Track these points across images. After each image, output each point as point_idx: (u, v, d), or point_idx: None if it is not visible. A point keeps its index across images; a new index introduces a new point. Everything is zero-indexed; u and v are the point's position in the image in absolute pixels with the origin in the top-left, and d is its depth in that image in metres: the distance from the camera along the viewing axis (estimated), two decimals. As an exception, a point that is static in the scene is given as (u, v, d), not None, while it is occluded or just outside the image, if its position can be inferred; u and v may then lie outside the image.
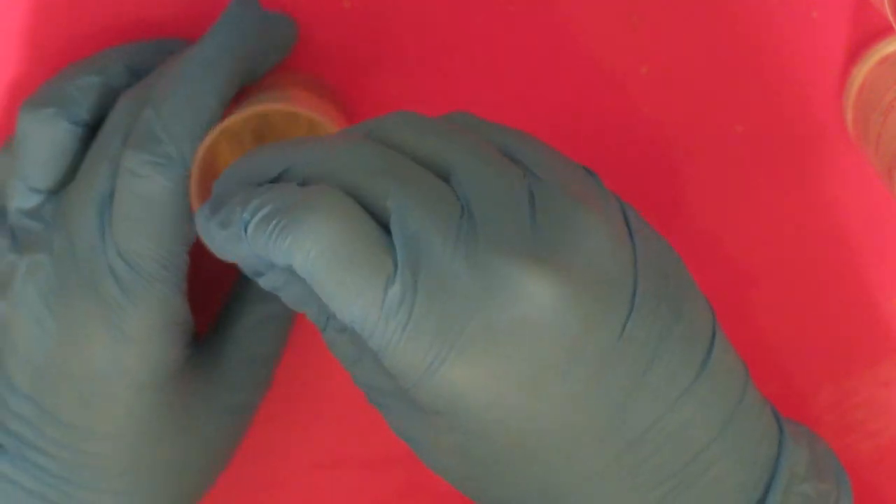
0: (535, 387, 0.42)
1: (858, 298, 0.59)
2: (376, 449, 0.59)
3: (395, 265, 0.42)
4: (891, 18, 0.50)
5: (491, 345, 0.42)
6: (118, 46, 0.55)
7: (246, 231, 0.43)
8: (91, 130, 0.53)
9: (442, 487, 0.54)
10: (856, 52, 0.57)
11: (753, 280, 0.59)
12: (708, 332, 0.45)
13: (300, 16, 0.57)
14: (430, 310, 0.42)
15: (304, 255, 0.42)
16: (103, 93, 0.53)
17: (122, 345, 0.50)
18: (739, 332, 0.57)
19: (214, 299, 0.57)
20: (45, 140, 0.52)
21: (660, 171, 0.58)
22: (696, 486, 0.44)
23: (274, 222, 0.42)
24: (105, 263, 0.50)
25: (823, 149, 0.58)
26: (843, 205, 0.58)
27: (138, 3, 0.57)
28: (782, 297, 0.59)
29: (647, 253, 0.44)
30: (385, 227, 0.43)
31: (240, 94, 0.54)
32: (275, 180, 0.44)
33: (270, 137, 0.55)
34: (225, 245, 0.45)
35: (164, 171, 0.50)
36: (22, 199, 0.52)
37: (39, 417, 0.51)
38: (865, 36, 0.57)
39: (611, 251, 0.43)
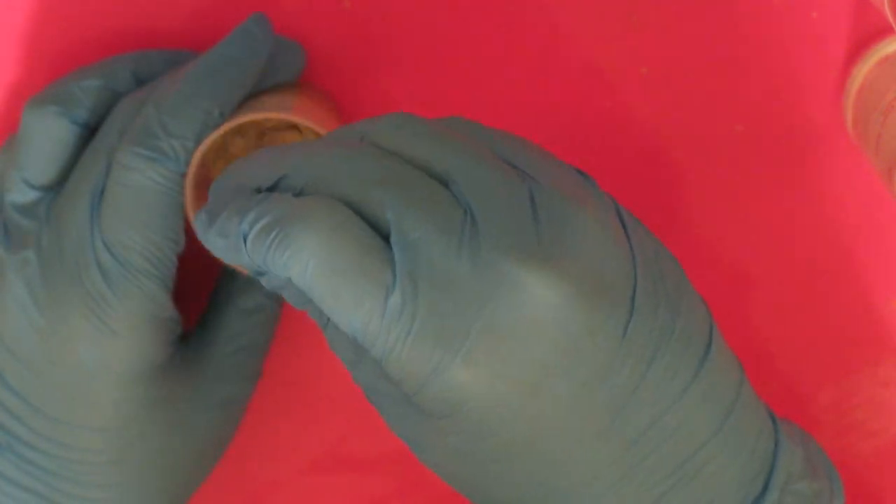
0: (537, 387, 0.42)
1: (858, 298, 0.59)
2: (374, 448, 0.59)
3: (395, 274, 0.42)
4: (891, 18, 0.50)
5: (494, 346, 0.42)
6: (127, 54, 0.55)
7: (245, 243, 0.43)
8: (92, 132, 0.53)
9: (440, 487, 0.54)
10: (856, 52, 0.57)
11: (753, 280, 0.59)
12: (706, 330, 0.45)
13: (300, 15, 0.57)
14: (431, 316, 0.42)
15: (301, 269, 0.42)
16: (107, 96, 0.53)
17: (107, 339, 0.51)
18: (739, 332, 0.57)
19: (201, 296, 0.57)
20: (45, 137, 0.52)
21: (659, 171, 0.58)
22: (694, 482, 0.45)
23: (272, 236, 0.42)
24: (92, 256, 0.50)
25: (823, 149, 0.58)
26: (843, 205, 0.58)
27: (149, 13, 0.57)
28: (782, 297, 0.59)
29: (643, 253, 0.44)
30: (384, 236, 0.43)
31: (240, 103, 0.54)
32: (271, 188, 0.44)
33: (268, 144, 0.56)
34: (225, 254, 0.45)
35: (156, 166, 0.50)
36: (17, 194, 0.53)
37: (27, 411, 0.52)
38: (865, 36, 0.57)
39: (611, 252, 0.43)
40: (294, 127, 0.55)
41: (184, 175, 0.51)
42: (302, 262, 0.42)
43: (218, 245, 0.44)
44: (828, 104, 0.58)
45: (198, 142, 0.51)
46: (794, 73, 0.57)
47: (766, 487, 0.46)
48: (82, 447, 0.52)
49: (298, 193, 0.44)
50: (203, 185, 0.53)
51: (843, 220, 0.58)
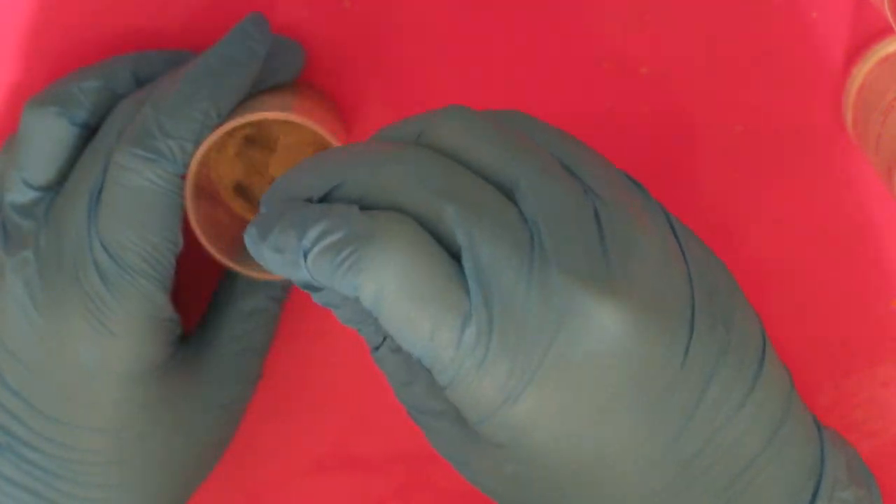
0: (602, 417, 0.42)
1: (858, 299, 0.59)
2: (376, 448, 0.59)
3: (470, 302, 0.41)
4: (890, 19, 0.50)
5: (563, 377, 0.41)
6: (127, 54, 0.55)
7: (306, 259, 0.42)
8: (91, 132, 0.53)
9: (442, 487, 0.54)
10: (856, 52, 0.57)
11: (753, 280, 0.59)
12: (759, 342, 0.45)
13: (300, 15, 0.57)
14: (504, 346, 0.41)
15: (375, 292, 0.41)
16: (106, 97, 0.53)
17: (106, 339, 0.51)
18: (739, 333, 0.57)
19: (202, 297, 0.57)
20: (44, 137, 0.52)
21: (659, 171, 0.58)
22: (745, 496, 0.44)
23: (342, 255, 0.41)
24: (90, 256, 0.50)
25: (823, 149, 0.58)
26: (842, 205, 0.58)
27: (149, 14, 0.57)
28: (782, 297, 0.59)
29: (698, 268, 0.44)
30: (452, 252, 0.42)
31: (240, 103, 0.54)
32: (324, 198, 0.43)
33: (269, 145, 0.56)
34: (279, 269, 0.43)
35: (153, 167, 0.50)
36: (16, 194, 0.53)
37: (26, 412, 0.52)
38: (865, 36, 0.57)
39: (671, 273, 0.43)
40: (294, 127, 0.55)
41: (182, 176, 0.51)
42: (378, 285, 0.41)
43: (272, 260, 0.43)
44: (828, 104, 0.58)
45: (196, 142, 0.51)
46: (794, 73, 0.57)
47: (814, 496, 0.45)
48: (82, 447, 0.52)
49: (360, 204, 0.42)
50: (202, 186, 0.53)
51: (843, 220, 0.58)
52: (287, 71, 0.55)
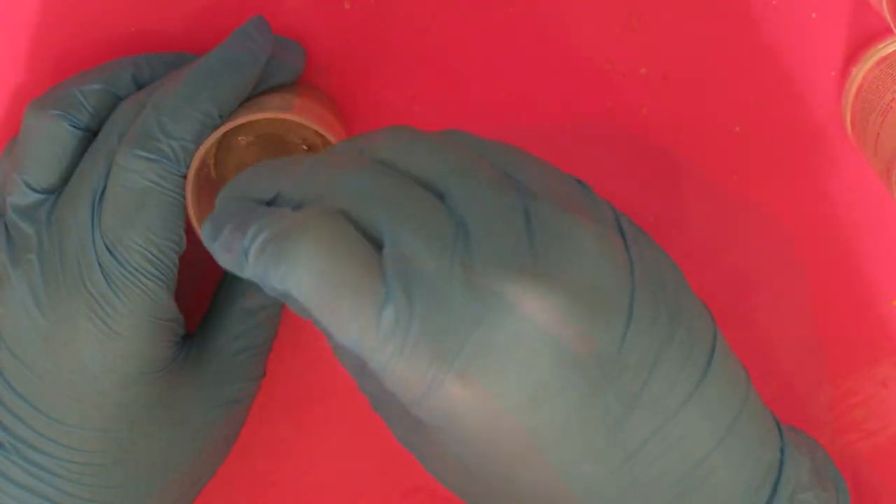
0: (532, 404, 0.42)
1: (858, 298, 0.59)
2: (376, 448, 0.60)
3: (387, 288, 0.42)
4: (889, 19, 0.50)
5: (488, 364, 0.42)
6: (128, 57, 0.55)
7: (247, 258, 0.43)
8: (93, 135, 0.53)
9: (442, 487, 0.54)
10: (855, 52, 0.57)
11: (753, 280, 0.59)
12: (709, 338, 0.45)
13: (300, 16, 0.57)
14: (425, 331, 0.41)
15: (296, 283, 0.42)
16: (108, 100, 0.54)
17: (110, 340, 0.51)
18: (739, 333, 0.57)
19: (204, 297, 0.57)
20: (46, 140, 0.53)
21: (659, 171, 0.58)
22: (698, 494, 0.44)
23: (267, 251, 0.42)
24: (94, 257, 0.51)
25: (822, 149, 0.58)
26: (842, 205, 0.58)
27: (151, 16, 0.57)
28: (782, 297, 0.59)
29: (643, 262, 0.44)
30: (381, 250, 0.43)
31: (241, 103, 0.54)
32: (271, 202, 0.45)
33: (270, 144, 0.56)
34: (231, 267, 0.45)
35: (155, 167, 0.51)
36: (19, 196, 0.53)
37: (30, 413, 0.52)
38: (865, 36, 0.57)
39: (608, 264, 0.43)
40: (295, 126, 0.55)
41: (184, 176, 0.51)
42: (297, 276, 0.42)
43: (223, 258, 0.45)
44: (827, 104, 0.58)
45: (197, 143, 0.51)
46: (794, 73, 0.57)
47: (771, 497, 0.45)
48: (86, 448, 0.52)
49: (297, 207, 0.44)
50: (204, 185, 0.53)
51: (843, 220, 0.58)
52: (288, 71, 0.55)
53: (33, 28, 0.57)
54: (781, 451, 0.46)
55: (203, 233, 0.45)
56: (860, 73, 0.56)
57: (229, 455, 0.58)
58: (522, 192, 0.44)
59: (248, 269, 0.43)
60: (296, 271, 0.42)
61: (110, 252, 0.51)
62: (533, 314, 0.41)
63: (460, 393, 0.42)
